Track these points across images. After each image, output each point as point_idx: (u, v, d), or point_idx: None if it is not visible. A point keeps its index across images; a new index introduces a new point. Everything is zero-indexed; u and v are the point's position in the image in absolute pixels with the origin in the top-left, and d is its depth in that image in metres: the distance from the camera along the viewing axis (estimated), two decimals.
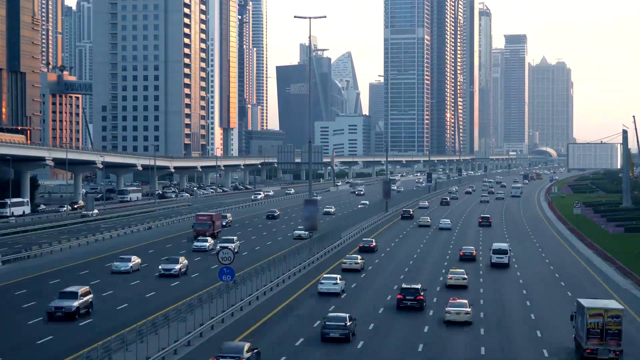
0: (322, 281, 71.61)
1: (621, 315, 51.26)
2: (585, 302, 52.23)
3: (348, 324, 53.23)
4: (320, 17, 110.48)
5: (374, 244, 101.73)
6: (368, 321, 59.24)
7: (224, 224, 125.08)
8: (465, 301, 61.54)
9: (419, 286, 66.14)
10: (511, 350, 52.72)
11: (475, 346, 53.19)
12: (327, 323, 53.26)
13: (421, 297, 64.86)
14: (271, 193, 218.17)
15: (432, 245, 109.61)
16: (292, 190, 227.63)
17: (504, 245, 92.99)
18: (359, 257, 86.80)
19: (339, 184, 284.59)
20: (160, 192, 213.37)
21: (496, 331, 57.81)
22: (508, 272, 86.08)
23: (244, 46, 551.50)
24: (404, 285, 66.70)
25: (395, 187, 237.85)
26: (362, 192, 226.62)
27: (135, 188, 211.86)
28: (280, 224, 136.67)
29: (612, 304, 54.03)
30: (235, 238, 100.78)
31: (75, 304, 58.52)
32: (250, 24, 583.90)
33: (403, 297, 64.80)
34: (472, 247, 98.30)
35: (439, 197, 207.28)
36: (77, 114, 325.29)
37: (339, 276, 72.67)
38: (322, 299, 68.10)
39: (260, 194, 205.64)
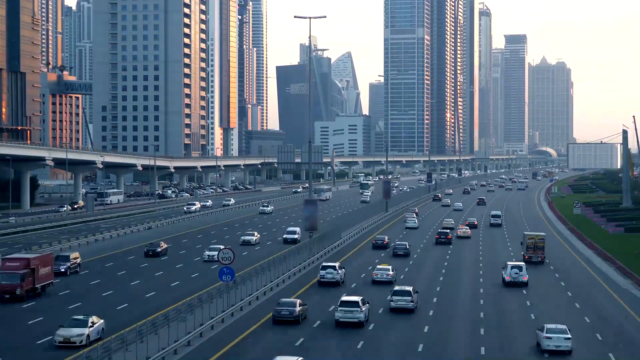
0: (408, 219, 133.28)
1: (544, 238, 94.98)
2: (526, 232, 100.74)
3: (407, 247, 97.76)
4: (320, 17, 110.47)
5: (417, 211, 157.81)
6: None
7: (63, 269, 79.26)
8: (467, 226, 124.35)
9: (448, 230, 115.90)
10: (511, 350, 52.72)
11: (475, 346, 53.19)
12: (396, 246, 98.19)
13: (449, 237, 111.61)
14: (209, 203, 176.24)
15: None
16: (232, 201, 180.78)
17: (498, 212, 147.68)
18: (415, 215, 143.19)
19: (298, 190, 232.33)
20: (161, 192, 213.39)
21: (496, 331, 57.86)
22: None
23: (244, 46, 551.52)
24: (439, 230, 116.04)
25: (369, 192, 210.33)
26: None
27: (116, 190, 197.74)
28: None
29: (540, 233, 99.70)
30: None
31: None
32: (250, 24, 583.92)
33: (439, 236, 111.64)
34: (475, 218, 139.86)
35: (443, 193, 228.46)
36: (77, 114, 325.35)
37: (415, 215, 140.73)
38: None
39: (195, 204, 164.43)
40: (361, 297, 59.67)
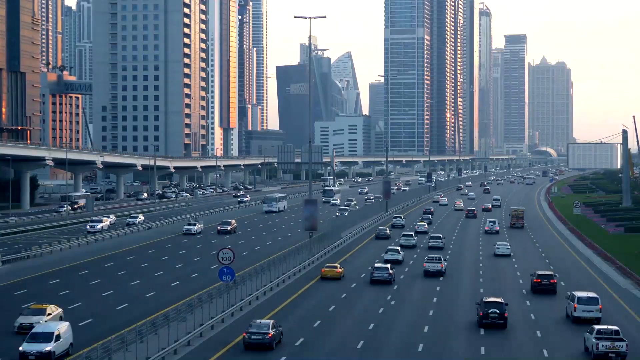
0: (440, 200, 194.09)
1: (523, 211, 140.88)
2: (511, 207, 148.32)
3: (431, 217, 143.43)
4: (320, 17, 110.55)
5: (442, 195, 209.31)
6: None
7: None
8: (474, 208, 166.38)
9: (475, 209, 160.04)
10: (511, 350, 52.70)
11: (476, 346, 53.19)
12: (422, 216, 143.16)
13: (475, 212, 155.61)
14: (112, 220, 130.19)
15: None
16: (141, 218, 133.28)
17: (498, 197, 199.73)
18: (443, 197, 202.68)
19: (245, 199, 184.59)
20: (160, 192, 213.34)
21: (495, 331, 57.85)
22: (508, 266, 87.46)
23: (244, 46, 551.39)
24: (468, 208, 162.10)
25: (337, 201, 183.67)
26: (228, 228, 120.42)
27: (82, 193, 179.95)
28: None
29: (520, 207, 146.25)
30: None
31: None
32: (250, 24, 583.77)
33: (468, 212, 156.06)
34: (489, 203, 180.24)
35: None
36: (77, 114, 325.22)
37: (444, 197, 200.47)
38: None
39: (101, 221, 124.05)
40: (414, 232, 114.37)
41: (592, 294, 62.26)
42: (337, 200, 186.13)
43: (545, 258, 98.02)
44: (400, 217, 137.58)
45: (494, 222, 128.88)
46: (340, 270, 78.90)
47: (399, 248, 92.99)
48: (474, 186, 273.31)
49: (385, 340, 53.67)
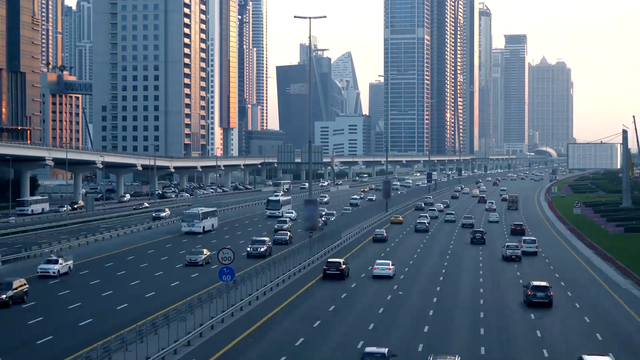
0: (464, 188, 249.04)
1: (517, 196, 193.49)
2: (509, 194, 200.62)
3: (449, 202, 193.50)
4: (320, 17, 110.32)
5: (463, 186, 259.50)
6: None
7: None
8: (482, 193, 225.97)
9: (485, 196, 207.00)
10: (511, 351, 52.74)
11: (476, 346, 53.22)
12: (442, 200, 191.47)
13: (486, 199, 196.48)
14: None
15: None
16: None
17: (505, 188, 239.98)
18: (463, 186, 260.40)
19: (162, 214, 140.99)
20: (160, 192, 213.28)
21: (496, 333, 57.92)
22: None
23: (244, 46, 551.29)
24: (480, 195, 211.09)
25: (278, 212, 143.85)
26: (2, 297, 63.43)
27: (39, 198, 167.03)
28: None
29: (515, 194, 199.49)
30: None
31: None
32: (250, 24, 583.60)
33: (480, 198, 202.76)
34: (505, 195, 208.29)
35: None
36: (77, 114, 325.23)
37: (466, 187, 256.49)
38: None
39: None
40: (438, 208, 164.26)
41: (532, 237, 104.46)
42: (291, 213, 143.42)
43: (545, 258, 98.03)
44: (430, 197, 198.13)
45: (492, 202, 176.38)
46: (402, 218, 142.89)
47: (428, 215, 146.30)
48: (490, 181, 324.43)
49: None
